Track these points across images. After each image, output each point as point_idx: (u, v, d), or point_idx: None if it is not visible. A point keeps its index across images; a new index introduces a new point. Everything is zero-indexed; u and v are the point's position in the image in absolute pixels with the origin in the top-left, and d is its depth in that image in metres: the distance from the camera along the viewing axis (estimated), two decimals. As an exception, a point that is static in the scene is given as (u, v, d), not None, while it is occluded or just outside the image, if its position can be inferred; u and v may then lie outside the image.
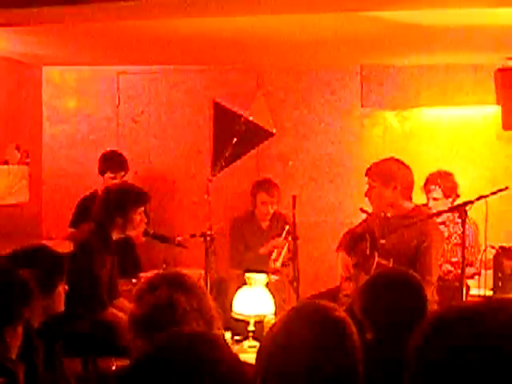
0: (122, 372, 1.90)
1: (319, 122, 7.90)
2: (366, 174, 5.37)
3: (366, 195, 5.38)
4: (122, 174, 6.99)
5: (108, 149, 7.34)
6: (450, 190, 6.50)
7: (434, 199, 6.46)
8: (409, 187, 5.31)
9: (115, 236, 5.49)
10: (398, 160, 5.39)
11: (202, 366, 1.79)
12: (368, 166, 5.47)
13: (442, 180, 6.52)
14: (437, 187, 6.49)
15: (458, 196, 6.49)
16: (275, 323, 2.49)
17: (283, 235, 6.67)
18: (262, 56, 7.44)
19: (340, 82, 7.87)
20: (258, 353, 2.41)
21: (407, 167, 5.34)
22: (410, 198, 5.36)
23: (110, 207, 5.45)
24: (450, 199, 6.47)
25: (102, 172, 7.03)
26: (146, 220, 5.63)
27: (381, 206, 5.31)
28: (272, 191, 6.99)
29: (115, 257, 5.66)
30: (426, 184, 6.54)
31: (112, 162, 7.02)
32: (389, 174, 5.24)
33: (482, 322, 1.33)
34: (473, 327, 1.34)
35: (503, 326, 1.32)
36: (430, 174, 6.59)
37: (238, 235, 7.12)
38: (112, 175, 6.94)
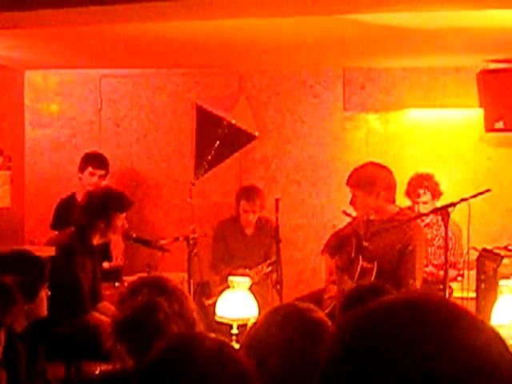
0: (134, 372, 1.88)
1: (302, 125, 7.89)
2: (347, 183, 5.34)
3: (350, 204, 5.35)
4: (103, 173, 6.94)
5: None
6: (436, 190, 6.54)
7: (424, 203, 6.47)
8: (391, 190, 5.29)
9: (96, 241, 5.48)
10: (377, 164, 5.36)
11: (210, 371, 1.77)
12: (350, 169, 5.45)
13: (428, 182, 6.55)
14: (426, 190, 6.51)
15: (441, 194, 6.54)
16: (252, 325, 2.49)
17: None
18: (244, 59, 7.44)
19: (322, 84, 7.87)
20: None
21: (388, 170, 5.32)
22: (394, 200, 5.35)
23: (92, 212, 5.44)
24: (436, 199, 6.51)
25: (82, 169, 6.97)
26: (127, 225, 5.64)
27: (366, 212, 5.30)
28: (253, 199, 6.85)
29: (97, 261, 5.66)
30: (412, 189, 6.54)
31: (94, 159, 6.96)
32: (370, 182, 5.20)
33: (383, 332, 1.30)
34: (370, 337, 1.30)
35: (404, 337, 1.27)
36: (411, 179, 6.60)
37: (220, 240, 7.06)
38: (92, 171, 6.88)
